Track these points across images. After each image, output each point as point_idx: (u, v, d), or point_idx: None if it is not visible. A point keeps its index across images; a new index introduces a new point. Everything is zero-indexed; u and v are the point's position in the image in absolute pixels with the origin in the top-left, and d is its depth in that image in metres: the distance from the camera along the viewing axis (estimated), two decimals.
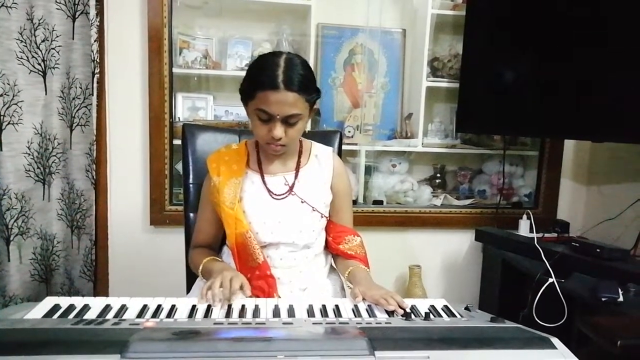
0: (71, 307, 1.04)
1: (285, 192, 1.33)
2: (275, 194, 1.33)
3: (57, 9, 1.99)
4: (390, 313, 1.09)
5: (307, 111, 1.25)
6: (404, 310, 1.08)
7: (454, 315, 1.08)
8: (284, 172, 1.36)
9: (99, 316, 1.00)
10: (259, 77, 1.19)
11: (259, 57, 1.27)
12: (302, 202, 1.33)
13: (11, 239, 2.00)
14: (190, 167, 1.57)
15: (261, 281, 1.28)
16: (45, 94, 2.02)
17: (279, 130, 1.21)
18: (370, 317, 1.07)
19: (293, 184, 1.34)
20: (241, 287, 1.16)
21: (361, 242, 1.43)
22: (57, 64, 2.03)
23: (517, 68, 2.14)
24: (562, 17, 2.01)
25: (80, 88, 2.08)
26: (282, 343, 0.83)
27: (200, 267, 1.31)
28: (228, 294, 1.11)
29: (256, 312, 1.07)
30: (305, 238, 1.33)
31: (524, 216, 2.29)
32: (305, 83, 1.20)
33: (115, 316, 1.01)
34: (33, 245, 2.06)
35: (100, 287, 2.24)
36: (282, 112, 1.19)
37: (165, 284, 1.89)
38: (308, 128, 2.13)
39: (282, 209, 1.32)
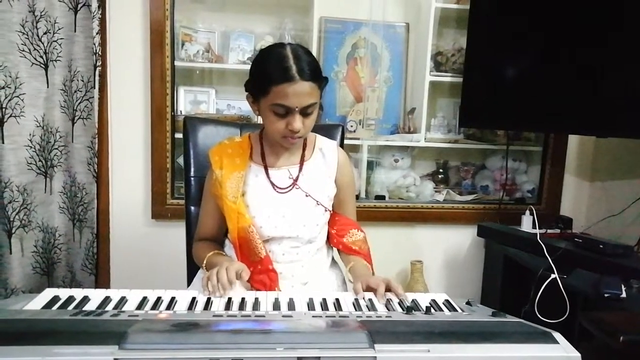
0: (70, 299, 1.03)
1: (289, 186, 1.32)
2: (279, 188, 1.32)
3: (59, 1, 1.99)
4: (390, 305, 1.09)
5: (319, 98, 1.23)
6: (401, 302, 1.09)
7: (455, 310, 1.08)
8: (288, 165, 1.35)
9: (98, 308, 1.00)
10: (271, 72, 1.17)
11: (263, 52, 1.25)
12: (306, 195, 1.32)
13: (13, 231, 2.01)
14: (192, 161, 1.56)
15: (263, 275, 1.27)
16: (47, 87, 2.02)
17: (298, 123, 1.19)
18: (370, 310, 1.07)
19: (297, 177, 1.33)
20: (239, 277, 1.15)
21: (364, 238, 1.43)
22: (59, 56, 2.03)
23: (521, 63, 2.12)
24: (567, 11, 1.99)
25: (82, 81, 2.08)
26: (281, 335, 0.82)
27: (204, 262, 1.30)
28: (226, 282, 1.10)
29: (256, 304, 1.07)
30: (308, 232, 1.32)
31: (527, 212, 2.27)
32: (316, 70, 1.19)
33: (115, 308, 1.01)
34: (35, 238, 2.06)
35: (101, 280, 2.24)
36: (300, 103, 1.17)
37: (167, 278, 1.89)
38: None
39: (286, 202, 1.31)
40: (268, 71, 1.18)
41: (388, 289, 1.15)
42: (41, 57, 1.99)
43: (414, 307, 1.05)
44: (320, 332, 0.88)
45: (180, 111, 2.26)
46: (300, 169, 1.34)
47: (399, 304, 1.10)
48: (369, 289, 1.17)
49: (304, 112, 1.19)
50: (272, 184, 1.32)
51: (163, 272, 2.10)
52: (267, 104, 1.19)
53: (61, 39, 2.02)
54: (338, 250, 1.44)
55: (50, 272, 2.13)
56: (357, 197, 2.34)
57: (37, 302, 1.01)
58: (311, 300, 1.09)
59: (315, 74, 1.18)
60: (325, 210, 1.35)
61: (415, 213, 2.40)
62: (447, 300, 1.13)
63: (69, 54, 2.05)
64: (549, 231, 2.16)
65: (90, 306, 1.01)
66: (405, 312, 1.02)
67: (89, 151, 2.13)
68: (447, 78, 2.36)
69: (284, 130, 1.21)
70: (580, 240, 1.89)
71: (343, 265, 1.42)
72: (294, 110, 1.17)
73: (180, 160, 2.18)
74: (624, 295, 1.55)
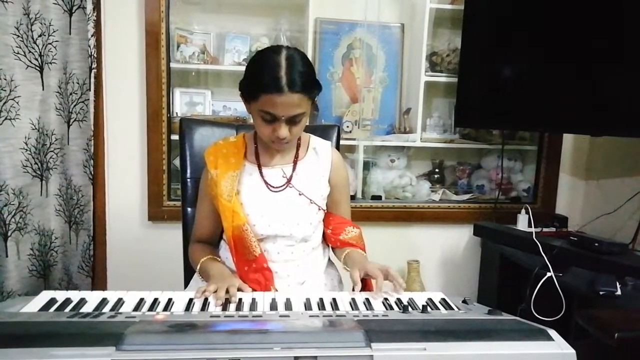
0: (67, 301, 1.03)
1: (283, 185, 1.33)
2: (272, 186, 1.33)
3: (54, 3, 1.99)
4: (387, 304, 1.10)
5: (309, 107, 1.25)
6: (398, 300, 1.10)
7: (451, 308, 1.08)
8: (282, 164, 1.35)
9: (95, 309, 1.00)
10: (261, 80, 1.17)
11: (258, 54, 1.24)
12: (299, 194, 1.33)
13: (9, 234, 2.00)
14: (188, 162, 1.56)
15: (258, 274, 1.28)
16: (43, 89, 2.01)
17: (284, 130, 1.21)
18: (367, 310, 1.07)
19: (291, 176, 1.34)
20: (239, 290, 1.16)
21: (360, 234, 1.44)
22: (54, 59, 2.02)
23: (516, 62, 2.13)
24: (561, 11, 2.01)
25: (78, 83, 2.07)
26: (278, 335, 0.83)
27: (198, 266, 1.32)
28: (222, 299, 1.10)
29: (253, 305, 1.07)
30: (302, 231, 1.32)
31: (523, 211, 2.29)
32: (308, 81, 1.20)
33: (112, 309, 1.01)
34: (31, 241, 2.06)
35: (98, 282, 2.24)
36: (287, 113, 1.19)
37: (163, 279, 1.88)
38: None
39: (280, 201, 1.32)
40: (259, 78, 1.19)
41: (386, 278, 1.16)
42: (36, 59, 1.99)
43: (410, 305, 1.06)
44: (317, 331, 0.89)
45: (176, 113, 2.25)
46: (294, 168, 1.35)
47: (395, 302, 1.11)
48: (367, 276, 1.18)
49: (291, 121, 1.21)
50: (266, 183, 1.33)
51: (160, 273, 2.10)
52: (256, 108, 1.21)
53: (56, 41, 2.01)
54: (334, 248, 1.44)
55: (47, 275, 2.13)
56: (354, 197, 2.35)
57: (34, 305, 1.01)
58: (308, 300, 1.10)
59: (306, 85, 1.19)
60: (319, 209, 1.36)
61: (412, 213, 2.41)
62: (443, 299, 1.13)
63: (64, 56, 2.04)
64: (545, 230, 2.17)
65: (87, 308, 1.01)
66: (401, 310, 1.03)
67: (85, 153, 2.12)
68: (442, 78, 2.37)
69: (270, 135, 1.23)
70: (576, 239, 1.90)
71: (339, 264, 1.43)
72: (281, 119, 1.19)
73: (177, 161, 2.18)
74: (619, 292, 1.56)
